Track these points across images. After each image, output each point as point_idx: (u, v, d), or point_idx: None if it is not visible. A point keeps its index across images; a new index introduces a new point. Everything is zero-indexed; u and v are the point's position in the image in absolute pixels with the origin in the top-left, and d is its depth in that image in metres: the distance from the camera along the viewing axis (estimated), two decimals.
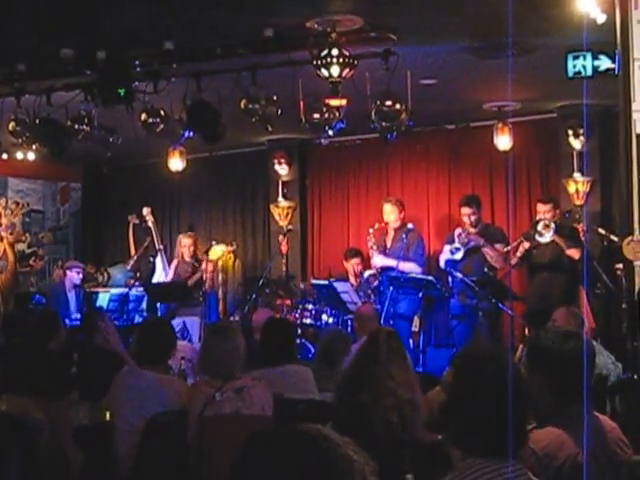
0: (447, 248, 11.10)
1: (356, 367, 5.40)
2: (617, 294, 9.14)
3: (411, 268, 11.16)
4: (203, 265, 12.12)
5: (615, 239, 9.32)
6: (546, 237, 10.10)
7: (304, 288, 12.71)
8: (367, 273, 11.68)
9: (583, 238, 10.53)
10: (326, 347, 7.30)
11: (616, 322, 9.12)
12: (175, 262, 12.39)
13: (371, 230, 11.67)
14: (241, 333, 6.17)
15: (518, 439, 2.97)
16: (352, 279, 11.93)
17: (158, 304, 11.86)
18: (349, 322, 10.62)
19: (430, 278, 10.61)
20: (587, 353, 3.76)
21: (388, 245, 11.63)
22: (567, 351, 3.66)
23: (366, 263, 12.07)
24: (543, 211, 10.41)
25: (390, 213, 11.68)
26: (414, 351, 10.39)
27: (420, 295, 10.61)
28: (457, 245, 10.96)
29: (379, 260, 11.46)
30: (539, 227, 10.13)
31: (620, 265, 8.04)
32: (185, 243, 12.37)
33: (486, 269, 10.79)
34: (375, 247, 11.60)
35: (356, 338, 8.55)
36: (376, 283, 11.41)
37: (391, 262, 11.22)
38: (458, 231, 11.11)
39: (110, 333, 7.19)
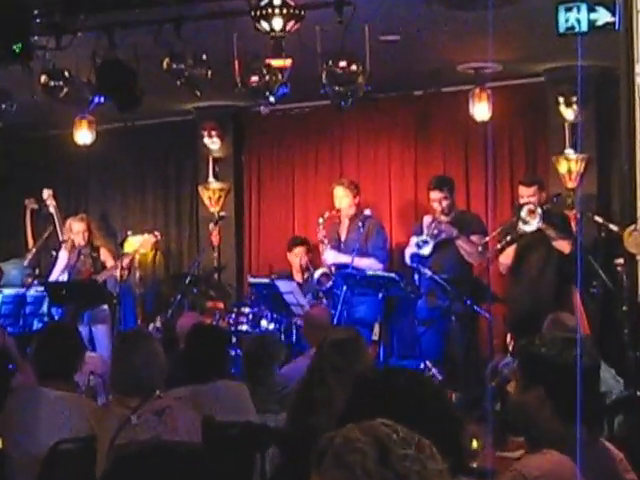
0: (414, 240, 11.09)
1: (302, 387, 5.39)
2: (617, 294, 9.22)
3: (370, 264, 11.16)
4: (110, 262, 11.93)
5: (615, 229, 9.37)
6: (532, 225, 10.07)
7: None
8: (317, 273, 11.59)
9: (575, 228, 10.57)
10: (248, 358, 7.30)
11: (616, 328, 9.19)
12: (65, 254, 12.02)
13: (321, 220, 11.60)
14: (157, 341, 6.16)
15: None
16: (297, 275, 11.92)
17: (52, 310, 11.67)
18: (294, 328, 10.61)
19: (392, 276, 10.60)
20: (593, 364, 3.81)
21: (342, 237, 11.61)
22: (569, 361, 3.68)
23: (316, 259, 12.06)
24: (526, 195, 10.34)
25: (342, 198, 11.63)
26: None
27: (380, 296, 10.59)
28: (425, 237, 10.94)
29: (331, 256, 11.43)
30: (523, 213, 10.10)
31: (620, 260, 8.12)
32: (77, 229, 11.94)
33: (460, 265, 10.80)
34: (326, 241, 11.56)
35: (304, 347, 8.56)
36: (329, 284, 11.38)
37: (345, 258, 11.20)
38: (427, 220, 11.11)
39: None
